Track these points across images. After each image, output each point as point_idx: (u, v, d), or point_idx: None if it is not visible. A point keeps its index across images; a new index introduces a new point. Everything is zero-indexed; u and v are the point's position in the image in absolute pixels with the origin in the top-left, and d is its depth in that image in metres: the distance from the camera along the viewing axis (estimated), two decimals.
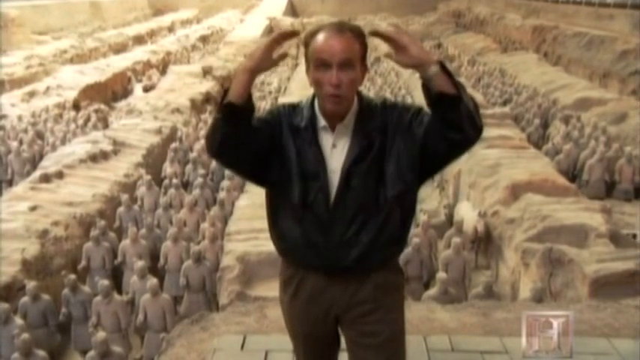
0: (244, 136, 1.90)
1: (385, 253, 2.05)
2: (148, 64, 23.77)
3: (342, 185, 1.95)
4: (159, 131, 13.01)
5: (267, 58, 1.84)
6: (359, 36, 1.88)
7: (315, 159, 1.95)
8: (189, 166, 11.11)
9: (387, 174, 1.94)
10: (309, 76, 1.93)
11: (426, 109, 1.89)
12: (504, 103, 15.96)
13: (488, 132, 11.49)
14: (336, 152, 1.97)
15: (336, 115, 1.96)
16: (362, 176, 1.94)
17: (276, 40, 1.83)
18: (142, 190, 9.70)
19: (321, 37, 1.86)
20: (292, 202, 1.99)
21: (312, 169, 1.96)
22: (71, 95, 17.07)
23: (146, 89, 19.55)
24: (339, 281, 2.05)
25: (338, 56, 1.83)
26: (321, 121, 1.98)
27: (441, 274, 6.45)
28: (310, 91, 2.01)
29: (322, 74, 1.86)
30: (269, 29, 32.76)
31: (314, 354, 2.24)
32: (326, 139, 1.98)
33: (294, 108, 2.05)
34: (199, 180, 9.86)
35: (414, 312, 3.62)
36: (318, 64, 1.86)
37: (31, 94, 16.94)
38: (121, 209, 8.97)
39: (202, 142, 12.38)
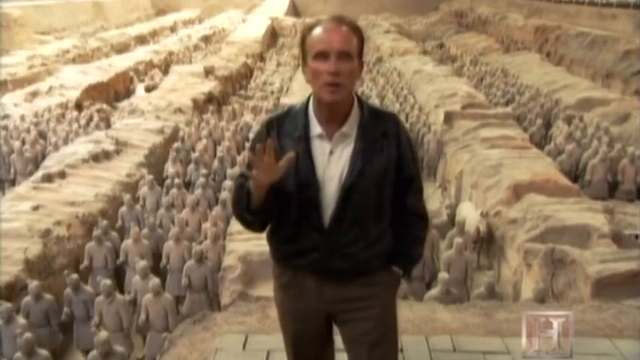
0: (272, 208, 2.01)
1: (378, 262, 2.07)
2: (150, 64, 23.73)
3: (341, 198, 1.95)
4: (161, 131, 13.01)
5: (270, 170, 1.85)
6: (356, 31, 1.91)
7: (307, 170, 1.95)
8: (191, 166, 11.11)
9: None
10: (305, 73, 1.94)
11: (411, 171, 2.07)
12: (507, 104, 15.97)
13: (491, 132, 11.50)
14: (333, 159, 1.96)
15: (333, 110, 1.94)
16: (364, 188, 1.95)
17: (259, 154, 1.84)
18: (144, 190, 9.70)
19: (319, 29, 1.89)
20: (289, 212, 2.00)
21: (303, 180, 1.96)
22: (74, 95, 17.05)
23: (148, 89, 19.52)
24: (330, 281, 2.06)
25: (337, 46, 1.85)
26: (316, 129, 1.97)
27: (443, 275, 6.43)
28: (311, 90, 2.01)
29: (320, 64, 1.86)
30: (271, 29, 32.75)
31: (303, 352, 2.24)
32: (321, 147, 1.97)
33: (284, 116, 2.04)
34: (201, 180, 9.86)
35: (416, 312, 3.62)
36: (316, 54, 1.87)
37: (34, 94, 16.93)
38: (123, 209, 8.99)
39: (204, 141, 12.41)
